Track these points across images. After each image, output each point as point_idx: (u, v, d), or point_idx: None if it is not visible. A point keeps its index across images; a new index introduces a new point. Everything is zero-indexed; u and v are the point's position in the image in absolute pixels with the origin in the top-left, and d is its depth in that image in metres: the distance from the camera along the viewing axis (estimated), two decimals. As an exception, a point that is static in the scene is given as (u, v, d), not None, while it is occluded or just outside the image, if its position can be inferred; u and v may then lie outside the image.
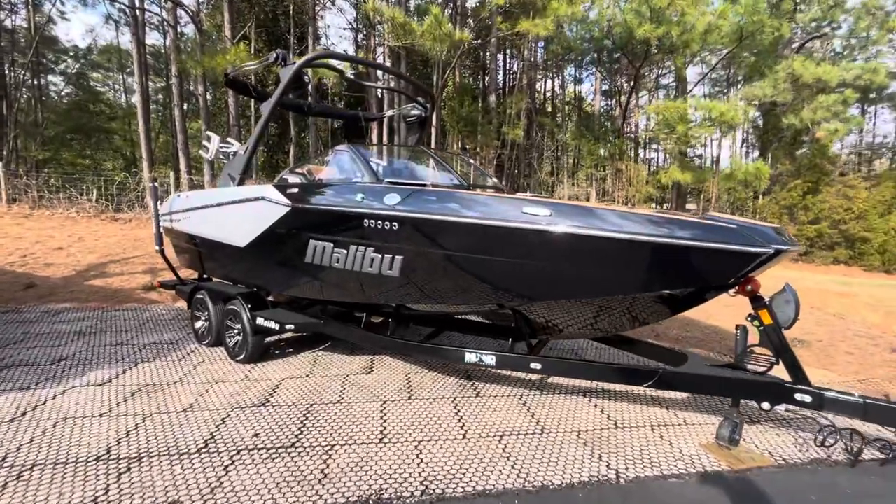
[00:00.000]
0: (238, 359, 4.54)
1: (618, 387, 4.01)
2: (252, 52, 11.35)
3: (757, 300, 2.67)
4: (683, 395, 3.93)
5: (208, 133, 4.97)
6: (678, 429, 3.37)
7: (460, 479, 2.63)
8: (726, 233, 2.27)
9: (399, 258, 3.16)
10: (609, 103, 20.99)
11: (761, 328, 2.69)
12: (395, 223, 3.10)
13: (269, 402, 3.66)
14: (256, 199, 4.09)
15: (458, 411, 3.56)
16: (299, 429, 3.21)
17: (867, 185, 13.99)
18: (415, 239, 3.05)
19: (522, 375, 4.31)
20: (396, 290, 3.33)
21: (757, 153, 15.46)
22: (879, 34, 12.04)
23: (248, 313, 4.43)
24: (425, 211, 2.97)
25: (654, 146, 17.86)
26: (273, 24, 17.55)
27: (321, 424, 3.28)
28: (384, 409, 3.57)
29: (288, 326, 4.11)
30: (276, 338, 5.03)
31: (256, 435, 3.11)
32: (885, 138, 21.27)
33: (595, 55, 15.56)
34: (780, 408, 2.77)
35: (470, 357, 3.34)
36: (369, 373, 4.39)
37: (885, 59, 16.08)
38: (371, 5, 11.13)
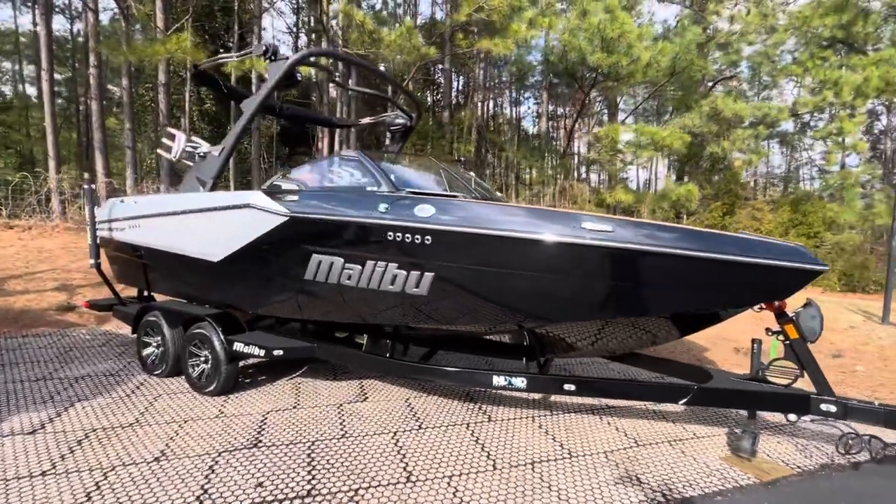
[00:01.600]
0: (206, 391, 3.91)
1: (620, 403, 4.01)
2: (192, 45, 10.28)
3: (783, 315, 2.79)
4: (680, 408, 4.03)
5: (171, 130, 4.29)
6: (693, 443, 3.42)
7: (513, 517, 2.41)
8: (788, 251, 2.34)
9: (429, 275, 2.89)
10: (552, 125, 22.15)
11: (787, 342, 2.81)
12: (427, 237, 2.83)
13: (260, 442, 3.15)
14: (240, 206, 3.57)
15: (478, 439, 3.32)
16: (309, 472, 2.78)
17: (769, 208, 16.04)
18: (452, 255, 2.81)
19: (524, 395, 4.17)
20: (419, 310, 3.04)
21: (675, 178, 17.08)
22: (777, 76, 14.14)
23: (222, 337, 3.84)
24: (469, 225, 2.75)
25: (594, 167, 19.09)
26: (210, 19, 16.17)
27: (333, 465, 2.88)
28: (398, 441, 3.23)
29: (276, 353, 3.61)
30: (241, 363, 4.43)
31: (261, 485, 2.63)
32: (777, 168, 25.26)
33: (542, 78, 16.38)
34: (807, 418, 2.90)
35: (498, 380, 3.13)
36: (364, 400, 3.99)
37: (777, 99, 18.74)
38: (343, 7, 10.63)
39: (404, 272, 2.95)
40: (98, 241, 4.76)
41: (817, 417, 2.86)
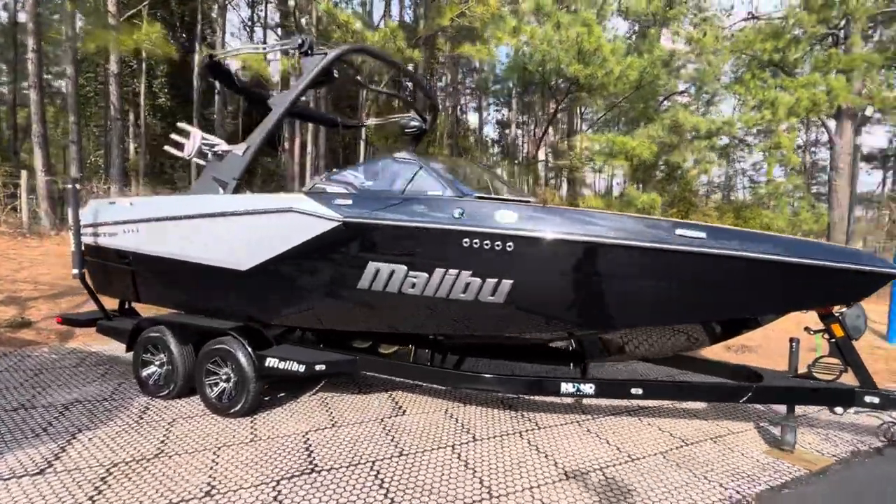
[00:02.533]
0: (231, 412, 3.56)
1: (650, 404, 4.12)
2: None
3: (829, 315, 3.00)
4: (699, 405, 4.22)
5: (184, 127, 3.86)
6: (732, 439, 3.58)
7: (614, 526, 2.39)
8: (867, 256, 2.51)
9: (507, 283, 2.80)
10: (519, 132, 22.74)
11: (832, 340, 3.02)
12: (509, 244, 2.76)
13: (317, 465, 2.91)
14: (280, 210, 3.29)
15: (538, 448, 3.28)
16: (386, 495, 2.60)
17: (716, 214, 17.39)
18: (537, 262, 2.75)
19: (555, 400, 4.18)
20: (490, 318, 2.95)
21: (636, 186, 18.13)
22: (723, 93, 15.47)
23: (251, 353, 3.51)
24: (558, 231, 2.70)
25: (555, 174, 19.75)
26: (164, 8, 14.85)
27: (407, 485, 2.71)
28: (460, 455, 3.11)
29: (318, 368, 3.35)
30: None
31: None
32: (717, 177, 27.76)
33: (516, 86, 16.73)
34: (851, 410, 3.13)
35: (566, 387, 3.10)
36: (404, 414, 3.81)
37: (715, 114, 20.48)
38: (326, 6, 10.19)
39: (479, 280, 2.85)
40: (83, 247, 4.20)
41: (862, 409, 3.10)
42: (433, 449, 3.18)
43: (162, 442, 3.18)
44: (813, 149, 27.29)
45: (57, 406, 3.74)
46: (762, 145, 15.56)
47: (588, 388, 3.09)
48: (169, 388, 3.88)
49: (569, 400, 4.25)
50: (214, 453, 3.05)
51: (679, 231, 2.60)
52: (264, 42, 21.32)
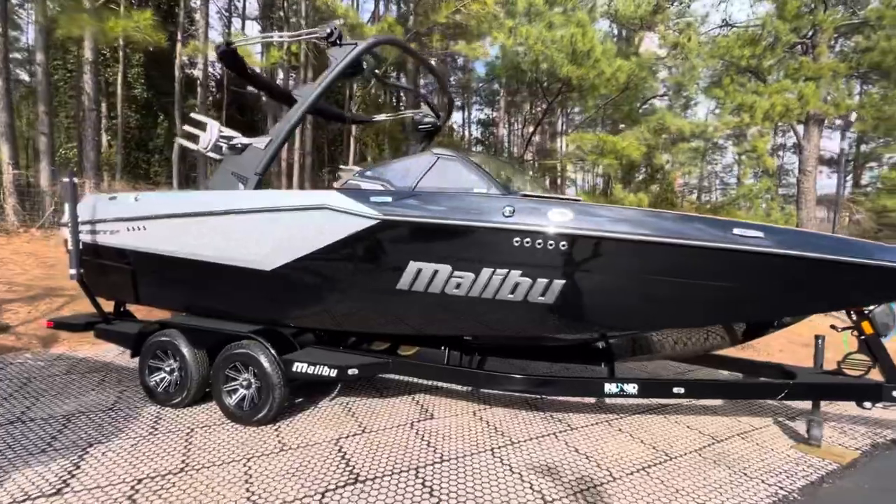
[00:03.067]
0: (254, 419, 3.38)
1: (671, 402, 4.16)
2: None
3: (860, 313, 3.09)
4: (717, 402, 4.30)
5: (199, 118, 3.60)
6: (759, 435, 3.65)
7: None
8: None
9: (559, 283, 2.74)
10: (503, 132, 22.82)
11: (862, 337, 3.11)
12: (563, 243, 2.69)
13: (360, 474, 2.79)
14: (312, 207, 3.12)
15: (576, 449, 3.24)
16: (439, 502, 2.51)
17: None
18: (592, 261, 2.70)
19: (576, 400, 4.17)
20: (535, 318, 2.88)
21: (620, 186, 18.50)
22: (704, 96, 16.04)
23: (276, 357, 3.34)
24: (615, 231, 2.67)
25: (547, 174, 19.97)
26: None
27: (457, 492, 2.62)
28: (502, 459, 3.04)
29: (350, 372, 3.20)
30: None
31: None
32: (693, 179, 28.85)
33: (509, 85, 16.76)
34: (879, 405, 3.23)
35: (610, 387, 3.08)
36: (432, 418, 3.71)
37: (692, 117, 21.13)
38: None
39: (529, 280, 2.78)
40: (80, 246, 3.89)
41: (889, 403, 3.20)
42: (473, 454, 3.10)
43: (184, 454, 2.98)
44: (779, 153, 28.59)
45: (57, 418, 3.45)
46: (739, 148, 16.17)
47: (631, 388, 3.07)
48: (182, 396, 3.64)
49: (590, 399, 4.25)
50: (245, 464, 2.87)
51: (736, 230, 2.62)
52: (243, 31, 20.63)
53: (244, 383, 3.48)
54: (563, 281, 2.76)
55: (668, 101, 21.31)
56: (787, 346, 6.64)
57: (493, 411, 3.90)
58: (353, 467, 2.87)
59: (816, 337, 3.47)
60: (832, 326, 3.37)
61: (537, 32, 10.46)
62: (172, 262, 3.70)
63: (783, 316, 3.09)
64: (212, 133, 3.50)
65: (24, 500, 2.43)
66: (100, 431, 3.26)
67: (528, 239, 2.74)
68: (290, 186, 14.55)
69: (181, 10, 13.03)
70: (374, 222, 2.98)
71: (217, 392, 3.54)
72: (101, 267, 4.16)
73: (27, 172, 9.75)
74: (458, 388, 4.46)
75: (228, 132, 3.59)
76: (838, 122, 25.49)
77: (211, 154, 3.62)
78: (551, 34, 10.47)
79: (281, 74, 14.75)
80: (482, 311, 2.95)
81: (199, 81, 11.88)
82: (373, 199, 3.04)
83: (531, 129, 16.59)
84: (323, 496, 2.55)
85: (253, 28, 19.93)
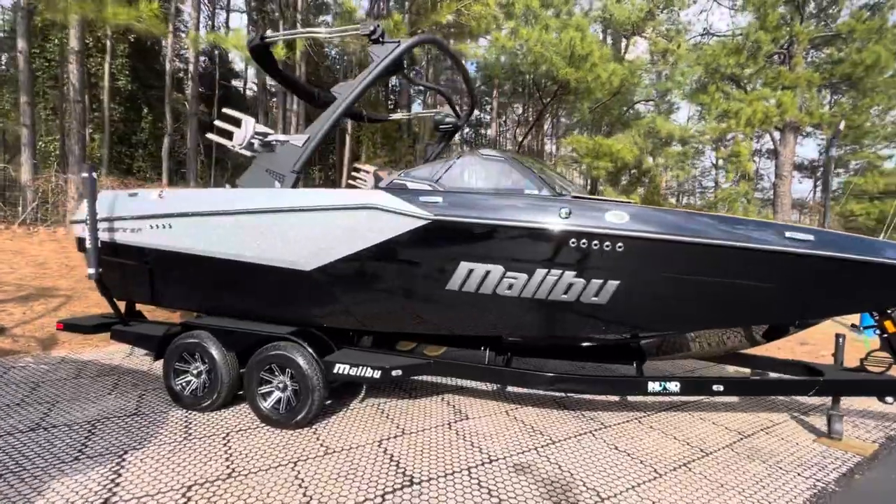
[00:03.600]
0: (292, 422, 3.31)
1: (690, 399, 4.28)
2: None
3: (883, 313, 3.25)
4: (732, 399, 4.45)
5: (233, 113, 3.48)
6: (780, 430, 3.80)
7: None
8: None
9: (614, 283, 2.79)
10: (497, 133, 22.96)
11: (884, 336, 3.28)
12: (620, 244, 2.74)
13: (413, 477, 2.77)
14: (358, 207, 3.07)
15: (616, 447, 3.31)
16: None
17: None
18: (648, 263, 2.75)
19: (600, 398, 4.25)
20: (586, 319, 2.92)
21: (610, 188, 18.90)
22: (682, 100, 16.57)
23: (316, 359, 3.28)
24: (671, 233, 2.73)
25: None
26: None
27: (514, 492, 2.64)
28: (548, 458, 3.07)
29: (394, 373, 3.17)
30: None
31: None
32: (675, 181, 29.81)
33: (496, 87, 16.86)
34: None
35: (653, 386, 3.15)
36: (467, 418, 3.71)
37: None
38: None
39: (583, 280, 2.82)
40: (99, 244, 3.73)
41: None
42: (519, 453, 3.12)
43: (227, 459, 2.90)
44: (755, 158, 29.74)
45: (80, 424, 3.30)
46: (721, 153, 16.76)
47: (674, 386, 3.15)
48: (212, 399, 3.54)
49: (613, 397, 4.34)
50: (293, 468, 2.82)
51: (788, 234, 2.72)
52: (227, 24, 20.10)
53: (280, 386, 3.42)
54: (618, 282, 2.81)
55: (652, 105, 21.93)
56: (784, 343, 6.91)
57: (525, 411, 3.93)
58: (405, 469, 2.85)
59: (837, 335, 3.63)
60: (853, 325, 3.54)
61: (537, 35, 10.58)
62: (200, 262, 3.59)
63: (820, 317, 3.23)
64: (247, 129, 3.41)
65: (71, 511, 2.32)
66: (130, 437, 3.14)
67: (584, 240, 2.78)
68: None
69: (172, 2, 12.56)
70: (424, 222, 2.97)
71: (251, 395, 3.45)
72: (118, 266, 4.00)
73: (9, 166, 9.22)
74: (484, 387, 4.49)
75: (263, 129, 3.50)
76: (813, 129, 26.69)
77: (243, 151, 3.53)
78: (549, 37, 10.61)
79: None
80: (532, 311, 2.98)
81: (189, 75, 11.49)
82: (422, 198, 3.03)
83: (524, 130, 16.77)
84: (383, 499, 2.52)
85: (241, 20, 19.47)
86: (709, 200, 21.23)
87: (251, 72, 22.78)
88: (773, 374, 3.84)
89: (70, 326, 4.18)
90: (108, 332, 4.21)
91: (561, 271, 2.84)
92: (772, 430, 3.76)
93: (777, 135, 19.65)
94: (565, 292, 2.87)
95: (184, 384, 3.64)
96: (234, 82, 20.34)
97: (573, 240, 2.80)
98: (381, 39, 3.33)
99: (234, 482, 2.64)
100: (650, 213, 2.90)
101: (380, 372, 3.18)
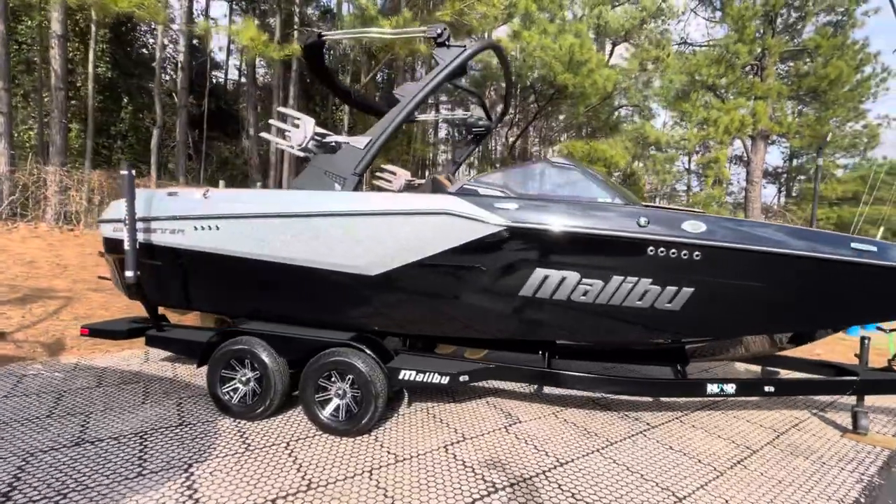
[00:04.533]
0: (355, 429, 3.26)
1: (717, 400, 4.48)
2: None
3: (911, 317, 3.51)
4: (755, 398, 4.68)
5: (290, 112, 3.34)
6: (807, 427, 4.03)
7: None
8: None
9: (688, 290, 2.89)
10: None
11: (911, 338, 3.55)
12: (697, 253, 2.83)
13: (494, 483, 2.78)
14: (431, 212, 3.04)
15: (670, 446, 3.43)
16: (590, 507, 2.57)
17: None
18: (722, 271, 2.86)
19: (636, 399, 4.38)
20: (656, 324, 3.01)
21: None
22: (670, 109, 17.30)
23: (381, 365, 3.24)
24: (746, 242, 2.85)
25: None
26: None
27: (595, 492, 2.70)
28: (614, 459, 3.15)
29: (462, 378, 3.17)
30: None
31: None
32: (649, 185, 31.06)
33: (489, 89, 17.05)
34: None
35: (712, 388, 3.28)
36: (520, 422, 3.75)
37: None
38: None
39: (658, 287, 2.91)
40: (137, 246, 3.55)
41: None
42: (584, 455, 3.19)
43: (299, 470, 2.83)
44: (726, 164, 31.23)
45: (128, 437, 3.14)
46: (703, 158, 17.56)
47: (730, 388, 3.30)
48: (263, 407, 3.43)
49: (647, 399, 4.49)
50: (370, 478, 2.78)
51: (854, 245, 2.90)
52: (207, 12, 19.32)
53: (339, 393, 3.35)
54: (692, 289, 2.92)
55: (629, 111, 22.63)
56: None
57: (571, 413, 4.01)
58: (482, 475, 2.86)
59: (862, 338, 3.89)
60: (879, 328, 3.80)
61: (538, 39, 10.74)
62: (251, 265, 3.47)
63: (861, 322, 3.46)
64: (307, 130, 3.31)
65: (160, 530, 2.22)
66: (187, 450, 3.01)
67: (662, 248, 2.87)
68: (270, 178, 13.88)
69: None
70: (499, 228, 2.98)
71: (307, 402, 3.37)
72: (150, 268, 3.81)
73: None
74: (521, 389, 4.55)
75: (321, 130, 3.41)
76: (779, 138, 28.23)
77: (299, 153, 3.43)
78: (548, 41, 10.78)
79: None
80: (605, 317, 3.05)
81: (179, 65, 10.94)
82: (497, 205, 3.04)
83: (515, 132, 16.97)
84: (475, 502, 2.53)
85: (221, 7, 18.71)
86: (684, 204, 22.20)
87: (233, 63, 21.99)
88: (803, 375, 4.07)
89: (98, 332, 3.95)
90: (129, 338, 4.03)
91: (637, 278, 2.92)
92: (801, 427, 3.98)
93: (749, 142, 20.69)
94: (640, 299, 2.96)
95: (232, 392, 3.51)
96: (215, 73, 19.59)
97: (651, 248, 2.89)
98: (447, 43, 3.31)
99: (316, 493, 2.58)
100: (724, 223, 3.02)
101: (448, 378, 3.17)
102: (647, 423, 3.85)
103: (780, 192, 29.27)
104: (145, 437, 3.15)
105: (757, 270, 2.90)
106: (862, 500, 2.81)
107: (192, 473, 2.72)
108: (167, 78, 11.17)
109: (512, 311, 3.16)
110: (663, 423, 3.89)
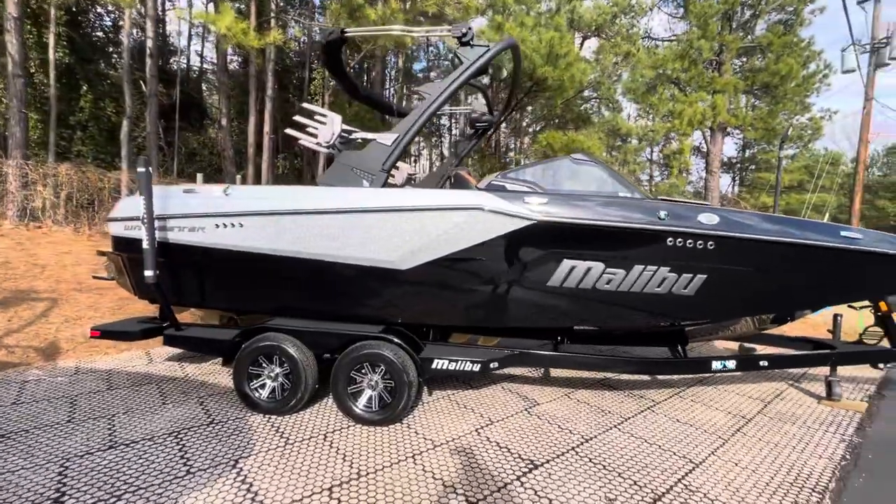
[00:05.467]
0: (386, 418, 3.37)
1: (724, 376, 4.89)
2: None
3: (881, 297, 3.97)
4: (737, 373, 5.14)
5: (318, 109, 3.31)
6: (787, 396, 4.48)
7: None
8: None
9: (701, 277, 3.15)
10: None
11: (879, 314, 4.01)
12: (711, 243, 3.09)
13: (532, 461, 2.98)
14: (461, 208, 3.15)
15: (679, 419, 3.74)
16: (621, 476, 2.82)
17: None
18: (734, 259, 3.13)
19: (636, 378, 4.72)
20: (672, 309, 3.28)
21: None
22: (639, 102, 18.08)
23: (414, 356, 3.36)
24: (755, 232, 3.15)
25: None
26: None
27: (627, 465, 2.96)
28: (632, 433, 3.43)
29: (493, 365, 3.34)
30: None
31: (611, 500, 2.59)
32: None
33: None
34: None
35: (716, 364, 3.61)
36: (538, 404, 3.98)
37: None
38: None
39: (675, 275, 3.16)
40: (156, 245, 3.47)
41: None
42: (604, 431, 3.44)
43: (345, 459, 2.92)
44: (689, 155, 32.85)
45: (162, 437, 3.13)
46: (668, 149, 18.43)
47: (731, 363, 3.64)
48: (296, 400, 3.48)
49: (645, 378, 4.83)
50: (414, 462, 2.91)
51: (843, 233, 3.25)
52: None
53: (371, 384, 3.45)
54: (705, 276, 3.20)
55: (598, 104, 23.33)
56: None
57: (582, 393, 4.27)
58: (519, 454, 3.05)
59: (835, 315, 4.36)
60: (850, 305, 4.27)
61: (517, 32, 10.90)
62: (278, 262, 3.48)
63: (840, 303, 3.89)
64: (334, 128, 3.33)
65: (230, 523, 2.27)
66: (227, 446, 3.04)
67: (680, 239, 3.13)
68: (247, 169, 13.44)
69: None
70: (529, 223, 3.14)
71: (340, 396, 3.45)
72: (165, 267, 3.73)
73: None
74: (531, 374, 4.78)
75: (347, 127, 3.44)
76: (733, 130, 29.91)
77: (325, 150, 3.44)
78: (527, 35, 10.98)
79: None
80: (625, 303, 3.28)
81: (148, 51, 10.26)
82: (527, 199, 3.19)
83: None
84: (520, 482, 2.72)
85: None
86: (647, 192, 23.30)
87: (196, 50, 20.88)
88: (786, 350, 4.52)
89: (109, 333, 3.84)
90: (144, 338, 3.95)
91: (657, 267, 3.17)
92: (783, 396, 4.42)
93: (708, 134, 21.82)
94: (658, 286, 3.22)
95: (260, 388, 3.54)
96: (175, 60, 18.53)
97: (670, 238, 3.14)
98: (470, 42, 3.41)
99: (368, 480, 2.69)
100: (734, 215, 3.31)
101: (479, 365, 3.33)
102: (653, 400, 4.17)
103: (734, 181, 31.07)
104: (180, 436, 3.15)
105: (762, 258, 3.22)
106: (847, 457, 3.20)
107: (240, 469, 2.76)
108: (129, 64, 10.48)
109: (539, 300, 3.35)
110: (665, 399, 4.22)
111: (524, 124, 20.06)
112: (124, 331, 3.84)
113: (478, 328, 4.13)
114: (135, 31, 12.19)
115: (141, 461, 2.80)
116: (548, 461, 2.98)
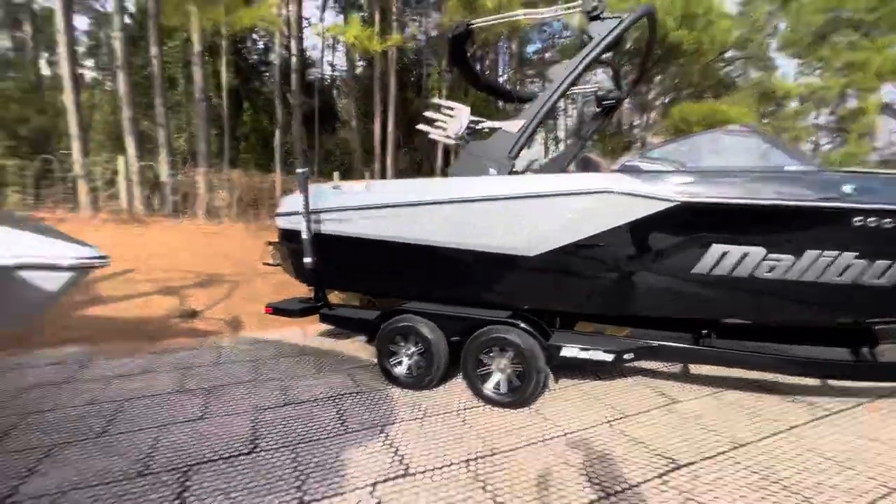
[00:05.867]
0: (515, 401, 3.45)
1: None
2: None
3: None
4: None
5: (447, 104, 3.58)
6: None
7: None
8: None
9: None
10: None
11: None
12: None
13: (676, 460, 2.80)
14: (591, 192, 3.07)
15: (860, 434, 3.14)
16: (772, 477, 2.48)
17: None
18: None
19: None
20: (861, 301, 2.78)
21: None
22: None
23: (542, 342, 3.38)
24: None
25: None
26: None
27: (791, 467, 2.59)
28: (797, 439, 2.98)
29: (626, 356, 3.20)
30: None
31: None
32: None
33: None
34: None
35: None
36: (676, 402, 3.68)
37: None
38: None
39: (865, 261, 2.66)
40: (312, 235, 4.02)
41: None
42: (763, 438, 3.05)
43: (477, 437, 3.07)
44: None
45: (323, 400, 3.63)
46: (843, 110, 15.09)
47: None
48: (430, 377, 3.75)
49: (812, 381, 4.11)
50: (546, 447, 2.93)
51: None
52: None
53: (499, 368, 3.55)
54: (908, 263, 2.61)
55: (744, 66, 19.98)
56: None
57: (733, 394, 3.82)
58: (655, 451, 2.88)
59: None
60: None
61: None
62: (412, 249, 3.76)
63: None
64: (462, 119, 3.48)
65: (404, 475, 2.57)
66: (373, 413, 3.41)
67: (872, 218, 2.59)
68: (373, 165, 14.61)
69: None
70: (670, 205, 2.89)
71: (470, 376, 3.62)
72: (322, 254, 4.28)
73: (154, 164, 10.22)
74: (668, 369, 4.42)
75: (475, 118, 3.56)
76: None
77: (454, 141, 3.61)
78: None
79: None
80: (793, 294, 2.84)
81: (293, 67, 11.92)
82: (667, 179, 2.95)
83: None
84: (662, 480, 2.57)
85: (310, 8, 19.74)
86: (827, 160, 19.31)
87: (328, 60, 23.23)
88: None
89: (279, 310, 4.58)
90: (302, 316, 4.59)
91: (838, 252, 2.67)
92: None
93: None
94: (840, 274, 2.71)
95: (403, 364, 3.88)
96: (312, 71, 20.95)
97: (858, 217, 2.61)
98: (601, 16, 3.23)
99: (503, 458, 2.79)
100: None
101: (612, 355, 3.21)
102: (827, 409, 3.55)
103: None
104: (337, 400, 3.64)
105: None
106: None
107: (387, 434, 3.09)
108: (277, 80, 12.21)
109: (681, 289, 3.07)
110: (846, 408, 3.56)
111: (650, 97, 18.17)
112: (289, 308, 4.54)
113: (608, 317, 3.95)
114: (281, 50, 14.05)
115: (308, 418, 3.32)
116: (693, 462, 2.76)
